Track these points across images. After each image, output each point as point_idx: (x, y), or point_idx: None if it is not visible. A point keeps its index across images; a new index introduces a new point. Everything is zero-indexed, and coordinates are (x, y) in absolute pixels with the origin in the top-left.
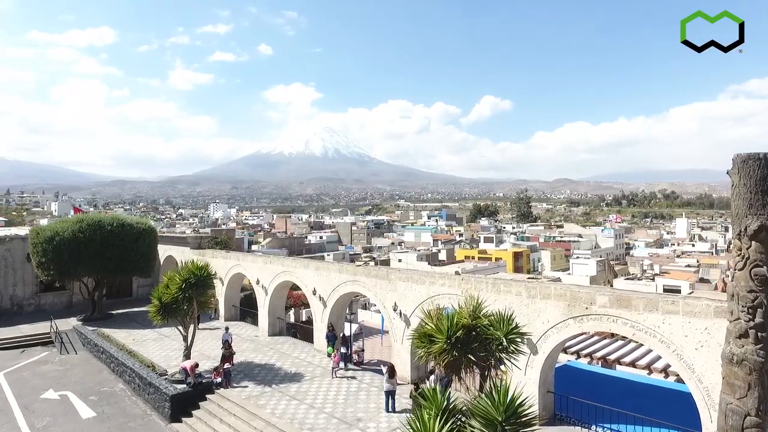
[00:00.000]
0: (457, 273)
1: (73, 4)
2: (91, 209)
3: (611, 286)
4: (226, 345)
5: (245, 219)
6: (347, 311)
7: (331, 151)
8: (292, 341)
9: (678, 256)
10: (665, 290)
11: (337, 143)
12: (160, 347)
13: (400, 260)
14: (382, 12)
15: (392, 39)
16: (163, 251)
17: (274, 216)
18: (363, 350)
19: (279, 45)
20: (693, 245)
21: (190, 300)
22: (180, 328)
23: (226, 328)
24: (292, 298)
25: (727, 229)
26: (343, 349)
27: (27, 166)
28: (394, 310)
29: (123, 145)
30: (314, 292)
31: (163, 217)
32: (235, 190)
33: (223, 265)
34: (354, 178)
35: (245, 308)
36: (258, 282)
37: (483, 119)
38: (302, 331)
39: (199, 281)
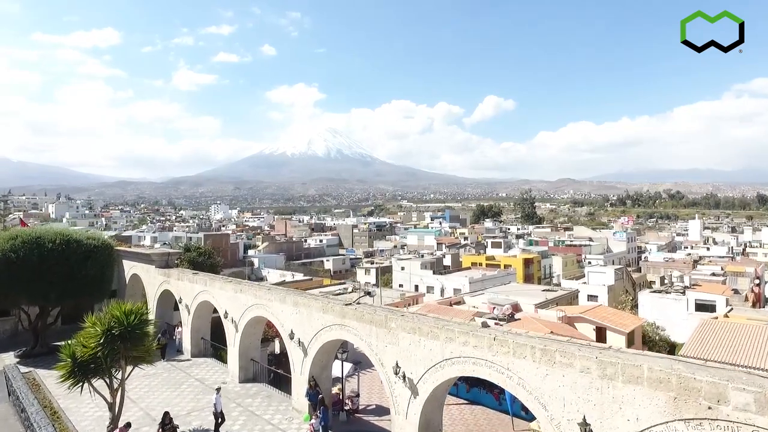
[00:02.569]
0: (485, 325)
1: (78, 5)
2: (87, 211)
3: (633, 299)
4: (167, 418)
5: (246, 221)
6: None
7: (333, 152)
8: (267, 392)
9: (696, 261)
10: (698, 306)
11: (339, 144)
12: (97, 403)
13: (402, 268)
14: (385, 12)
15: (396, 39)
16: (129, 268)
17: (275, 217)
18: (358, 395)
19: (283, 46)
20: (708, 249)
21: (117, 355)
22: (101, 385)
23: (218, 389)
24: (275, 327)
25: (734, 230)
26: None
27: (32, 167)
28: (396, 372)
29: (127, 146)
30: (291, 336)
31: (163, 218)
32: (238, 191)
33: (189, 289)
34: (357, 178)
35: (217, 344)
36: (227, 315)
37: (486, 119)
38: (285, 367)
39: (128, 332)
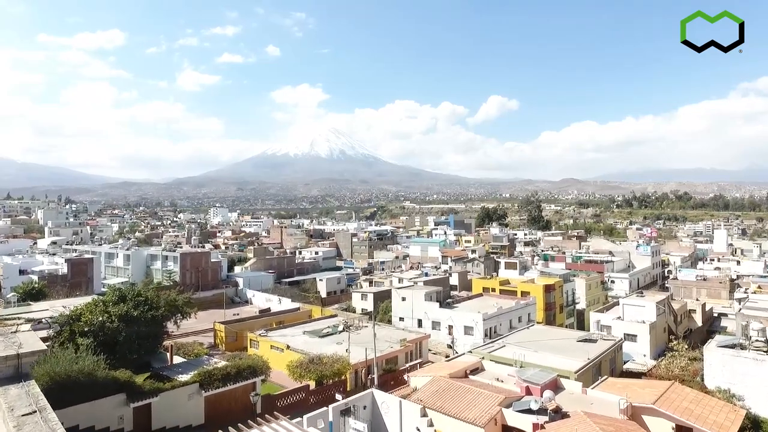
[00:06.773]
0: None
1: (83, 6)
2: (72, 219)
3: (685, 346)
4: None
5: (244, 225)
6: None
7: (336, 152)
8: None
9: (733, 281)
10: None
11: (342, 144)
12: None
13: (404, 298)
14: (390, 12)
15: (400, 38)
16: None
17: (274, 221)
18: None
19: (287, 46)
20: (738, 262)
21: None
22: None
23: None
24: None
25: (744, 232)
26: None
27: (37, 169)
28: None
29: (131, 147)
30: None
31: (159, 223)
32: (240, 192)
33: None
34: (359, 178)
35: None
36: None
37: (490, 119)
38: None
39: None
